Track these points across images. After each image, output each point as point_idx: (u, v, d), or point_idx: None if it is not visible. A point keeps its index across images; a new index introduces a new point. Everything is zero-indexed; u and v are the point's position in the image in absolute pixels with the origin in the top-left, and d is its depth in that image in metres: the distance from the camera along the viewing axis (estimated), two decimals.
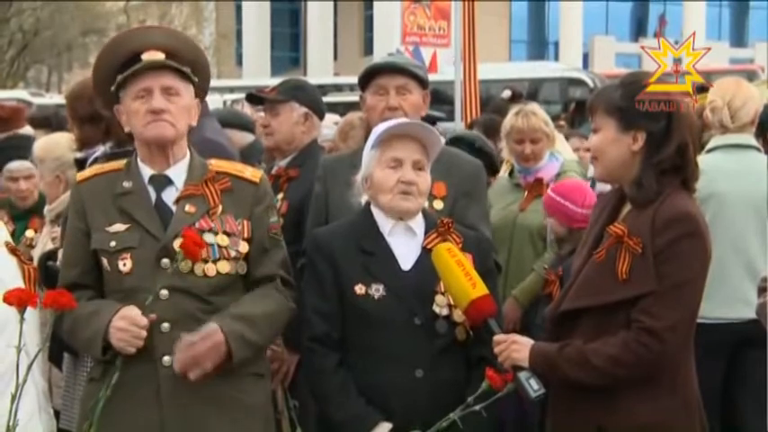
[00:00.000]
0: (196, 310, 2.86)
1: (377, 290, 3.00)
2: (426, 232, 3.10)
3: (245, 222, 2.95)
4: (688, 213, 2.76)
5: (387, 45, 27.36)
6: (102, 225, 2.91)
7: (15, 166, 5.72)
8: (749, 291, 3.78)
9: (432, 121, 6.54)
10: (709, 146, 4.38)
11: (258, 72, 36.81)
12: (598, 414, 2.77)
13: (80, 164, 3.84)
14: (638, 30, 43.08)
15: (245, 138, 5.32)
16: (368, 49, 37.80)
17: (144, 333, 2.78)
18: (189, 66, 2.96)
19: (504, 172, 5.29)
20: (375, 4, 37.01)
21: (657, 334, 2.69)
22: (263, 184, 3.04)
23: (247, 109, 7.09)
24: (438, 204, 3.48)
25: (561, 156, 5.16)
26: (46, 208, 4.47)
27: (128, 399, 2.80)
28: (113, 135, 3.69)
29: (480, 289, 2.90)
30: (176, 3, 35.83)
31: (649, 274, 2.70)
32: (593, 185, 5.63)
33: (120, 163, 3.02)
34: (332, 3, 39.65)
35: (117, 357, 2.80)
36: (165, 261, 2.84)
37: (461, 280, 2.90)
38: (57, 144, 4.43)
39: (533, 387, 2.78)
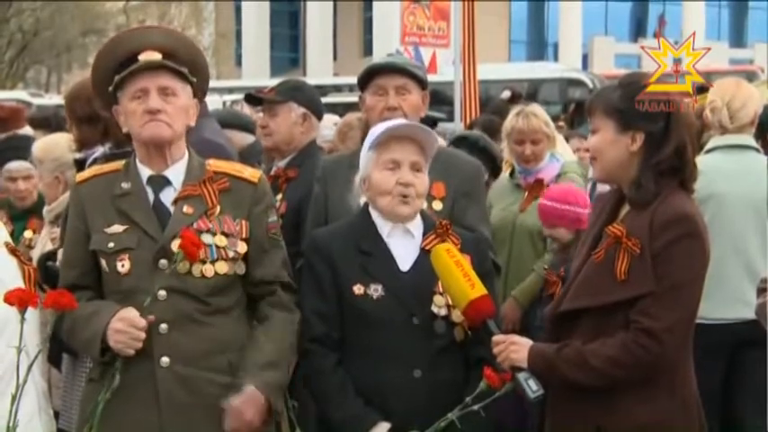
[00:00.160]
0: (194, 311, 2.87)
1: (375, 290, 3.00)
2: (425, 233, 3.10)
3: (244, 222, 2.95)
4: (686, 214, 2.76)
5: (386, 46, 27.35)
6: (100, 226, 2.91)
7: (14, 166, 5.72)
8: (748, 291, 3.78)
9: (432, 121, 6.56)
10: (708, 146, 4.38)
11: (257, 73, 36.83)
12: (597, 414, 2.77)
13: (79, 165, 3.84)
14: (638, 30, 43.09)
15: (245, 138, 5.32)
16: (367, 49, 37.80)
17: (142, 335, 2.78)
18: (187, 66, 2.95)
19: (504, 172, 5.29)
20: (374, 4, 37.01)
21: (656, 335, 2.69)
22: (262, 184, 3.04)
23: (247, 110, 7.09)
24: (437, 205, 3.48)
25: (562, 157, 5.16)
26: (45, 209, 4.47)
27: (126, 400, 2.80)
28: (112, 136, 3.69)
29: (479, 289, 2.90)
30: (176, 3, 35.85)
31: (648, 275, 2.71)
32: (593, 186, 5.64)
33: (119, 164, 3.02)
34: (331, 3, 39.65)
35: (116, 360, 2.80)
36: (164, 262, 2.84)
37: (460, 281, 2.90)
38: (56, 145, 4.42)
39: (532, 388, 2.78)
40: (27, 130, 7.46)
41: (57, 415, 3.73)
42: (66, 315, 2.79)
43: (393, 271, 3.04)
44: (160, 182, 2.95)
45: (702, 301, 2.84)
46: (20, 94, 23.17)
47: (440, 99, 12.04)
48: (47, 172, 4.42)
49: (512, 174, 5.08)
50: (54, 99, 21.14)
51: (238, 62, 41.12)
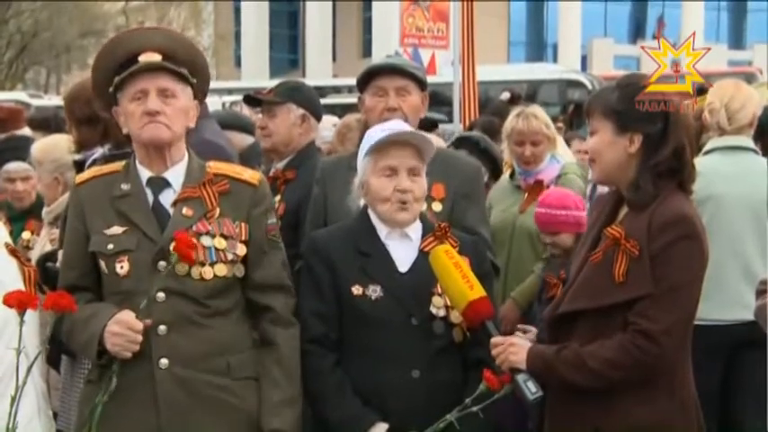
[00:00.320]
0: (193, 313, 2.86)
1: (374, 291, 3.00)
2: (423, 236, 3.11)
3: (243, 225, 2.95)
4: (685, 216, 2.76)
5: (385, 47, 27.34)
6: (100, 228, 2.91)
7: (13, 167, 5.72)
8: (746, 293, 3.78)
9: (433, 123, 6.55)
10: (706, 148, 4.38)
11: (257, 74, 36.82)
12: (595, 416, 2.77)
13: (78, 166, 3.84)
14: (637, 32, 43.11)
15: (244, 140, 5.32)
16: (366, 50, 37.81)
17: (139, 337, 2.78)
18: (187, 67, 2.95)
19: (504, 174, 5.29)
20: (374, 5, 37.01)
21: (654, 337, 2.69)
22: (262, 186, 3.03)
23: (246, 111, 7.09)
24: (437, 206, 3.48)
25: (562, 158, 5.16)
26: (44, 210, 4.47)
27: (125, 402, 2.80)
28: (111, 137, 3.69)
29: (478, 291, 2.90)
30: (175, 4, 35.87)
31: (646, 277, 2.71)
32: (594, 188, 5.63)
33: (119, 165, 3.02)
34: (330, 4, 39.66)
35: (114, 362, 2.80)
36: (163, 264, 2.84)
37: (459, 282, 2.91)
38: (55, 146, 4.42)
39: (531, 389, 2.79)
40: (25, 130, 7.46)
41: (55, 416, 3.73)
42: (64, 317, 2.78)
43: (391, 272, 3.04)
44: (160, 183, 2.94)
45: (700, 302, 2.84)
46: (19, 95, 23.16)
47: (439, 100, 12.05)
48: (46, 173, 4.41)
49: (512, 175, 5.08)
50: (53, 100, 21.14)
51: (237, 63, 41.12)
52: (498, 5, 36.49)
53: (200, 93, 3.04)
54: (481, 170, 3.87)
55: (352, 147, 4.80)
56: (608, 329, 2.75)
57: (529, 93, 17.55)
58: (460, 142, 5.35)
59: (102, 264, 2.90)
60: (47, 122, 8.41)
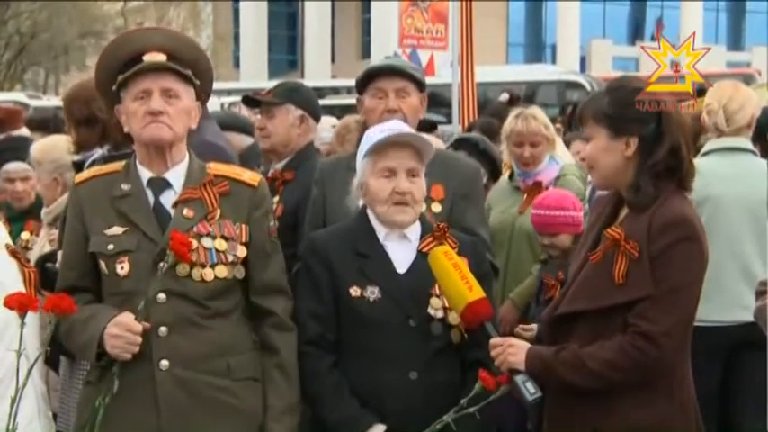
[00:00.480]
0: (193, 315, 2.86)
1: (372, 292, 3.00)
2: (422, 237, 3.11)
3: (243, 226, 2.94)
4: (685, 217, 2.76)
5: (384, 48, 27.35)
6: (100, 228, 2.91)
7: (12, 167, 5.72)
8: (745, 294, 3.78)
9: (432, 124, 6.55)
10: (704, 149, 4.38)
11: (255, 75, 36.82)
12: (594, 417, 2.77)
13: (78, 166, 3.84)
14: (636, 33, 43.15)
15: (244, 141, 5.32)
16: (365, 51, 37.83)
17: (139, 339, 2.78)
18: (190, 68, 2.95)
19: (503, 175, 5.30)
20: (372, 6, 37.03)
21: (653, 338, 2.69)
22: (262, 187, 3.03)
23: (245, 112, 7.09)
24: (436, 207, 3.48)
25: (561, 159, 5.16)
26: (43, 211, 4.46)
27: (125, 403, 2.79)
28: (110, 138, 3.69)
29: (477, 292, 2.90)
30: (174, 5, 35.86)
31: (646, 279, 2.71)
32: (593, 189, 5.64)
33: (119, 165, 3.01)
34: (329, 5, 39.67)
35: (114, 364, 2.80)
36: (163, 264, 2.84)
37: (458, 283, 2.91)
38: (54, 146, 4.42)
39: (530, 390, 2.78)
40: (23, 131, 7.47)
41: (54, 417, 3.73)
42: (64, 318, 2.78)
43: (389, 273, 3.04)
44: (160, 184, 2.94)
45: (700, 303, 2.84)
46: (17, 95, 23.16)
47: (438, 101, 12.07)
48: (45, 174, 4.41)
49: (511, 176, 5.08)
50: (52, 101, 21.15)
51: (236, 64, 41.11)
52: (497, 6, 36.53)
53: (204, 94, 3.04)
54: (480, 171, 3.88)
55: (350, 148, 4.80)
56: (607, 331, 2.75)
57: (527, 94, 17.57)
58: (459, 143, 5.35)
59: (103, 264, 2.90)
60: (46, 123, 8.43)
